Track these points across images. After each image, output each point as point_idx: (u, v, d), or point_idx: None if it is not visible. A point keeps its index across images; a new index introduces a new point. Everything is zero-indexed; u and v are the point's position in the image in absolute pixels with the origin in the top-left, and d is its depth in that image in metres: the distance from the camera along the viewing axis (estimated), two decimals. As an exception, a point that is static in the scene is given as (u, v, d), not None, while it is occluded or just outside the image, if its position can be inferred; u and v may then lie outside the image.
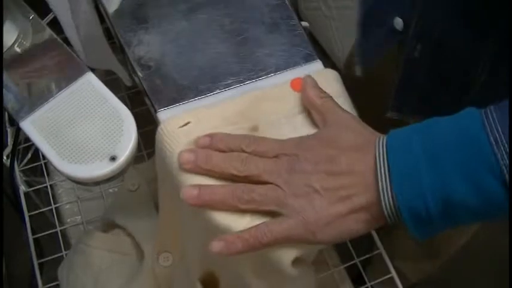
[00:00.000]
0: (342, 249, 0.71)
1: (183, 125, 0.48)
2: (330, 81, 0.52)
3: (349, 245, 0.70)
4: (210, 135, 0.46)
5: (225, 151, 0.45)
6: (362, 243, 0.72)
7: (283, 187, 0.42)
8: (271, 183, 0.43)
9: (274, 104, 0.50)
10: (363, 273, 0.68)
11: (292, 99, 0.51)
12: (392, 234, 0.79)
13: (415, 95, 0.57)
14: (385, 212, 0.41)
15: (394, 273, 0.64)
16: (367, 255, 0.68)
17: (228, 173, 0.44)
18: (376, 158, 0.41)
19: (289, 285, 0.48)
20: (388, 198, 0.40)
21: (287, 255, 0.43)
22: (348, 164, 0.42)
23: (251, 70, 0.54)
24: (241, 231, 0.42)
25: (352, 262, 0.68)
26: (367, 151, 0.42)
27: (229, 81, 0.53)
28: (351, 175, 0.41)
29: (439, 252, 0.86)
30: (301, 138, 0.46)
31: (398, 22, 0.54)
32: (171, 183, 0.48)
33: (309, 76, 0.50)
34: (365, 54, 0.63)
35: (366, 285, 0.66)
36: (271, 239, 0.41)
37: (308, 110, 0.50)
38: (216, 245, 0.42)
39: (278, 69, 0.54)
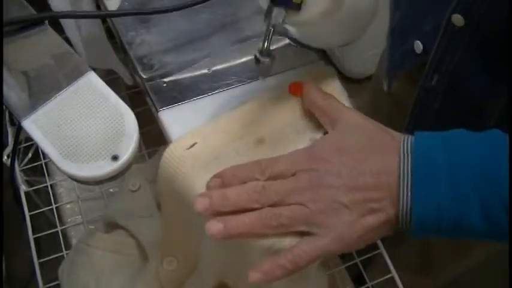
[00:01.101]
0: (343, 249, 0.71)
1: (189, 146, 0.48)
2: (328, 79, 0.53)
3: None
4: (219, 175, 0.44)
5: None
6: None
7: (309, 206, 0.41)
8: (295, 204, 0.41)
9: (275, 113, 0.51)
10: (364, 273, 0.68)
11: (292, 105, 0.51)
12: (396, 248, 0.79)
13: (430, 119, 0.58)
14: (400, 218, 0.40)
15: (394, 273, 0.64)
16: (368, 255, 0.68)
17: (251, 208, 0.42)
18: (400, 165, 0.40)
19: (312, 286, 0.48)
20: (407, 205, 0.40)
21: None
22: (373, 176, 0.41)
23: (252, 70, 0.54)
24: (276, 258, 0.41)
25: (352, 262, 0.68)
26: (386, 153, 0.41)
27: (231, 81, 0.54)
28: (378, 189, 0.41)
29: (437, 272, 0.86)
30: (311, 149, 0.45)
31: (419, 45, 0.54)
32: (182, 203, 0.48)
33: (309, 81, 0.50)
34: (389, 73, 0.64)
35: (366, 285, 0.66)
36: (308, 261, 0.41)
37: (310, 114, 0.50)
38: (254, 276, 0.41)
39: (279, 69, 0.54)
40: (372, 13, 0.48)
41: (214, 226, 0.42)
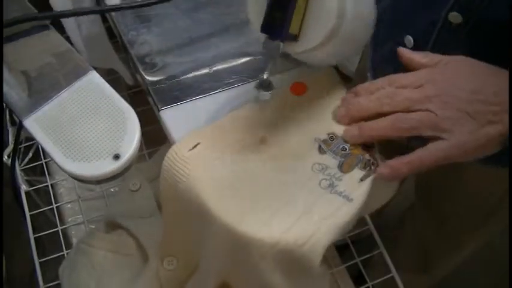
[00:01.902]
0: (343, 248, 0.71)
1: (192, 147, 0.48)
2: (329, 78, 0.53)
3: (350, 244, 0.70)
4: (353, 91, 0.49)
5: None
6: (363, 242, 0.72)
7: (436, 112, 0.44)
8: (423, 110, 0.44)
9: (278, 113, 0.51)
10: (364, 273, 0.68)
11: (295, 104, 0.51)
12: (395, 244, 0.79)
13: None
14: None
15: (394, 273, 0.64)
16: (368, 255, 0.68)
17: (381, 111, 0.46)
18: None
19: (316, 285, 0.48)
20: None
21: (317, 254, 0.44)
22: (493, 94, 0.44)
23: (254, 69, 0.54)
24: (403, 156, 0.45)
25: (353, 262, 0.68)
26: (501, 75, 0.44)
27: (232, 80, 0.54)
28: (497, 104, 0.43)
29: (435, 267, 0.87)
30: (436, 67, 0.47)
31: (410, 40, 0.55)
32: (185, 204, 0.48)
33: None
34: (374, 64, 0.64)
35: (366, 285, 0.66)
36: (433, 161, 0.44)
37: (313, 113, 0.50)
38: (384, 171, 0.45)
39: (281, 69, 0.54)
40: (370, 29, 0.48)
41: (350, 131, 0.48)
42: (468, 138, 0.43)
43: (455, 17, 0.48)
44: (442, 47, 0.51)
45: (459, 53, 0.50)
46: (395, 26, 0.58)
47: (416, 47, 0.54)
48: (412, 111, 0.45)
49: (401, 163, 0.45)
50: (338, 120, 0.49)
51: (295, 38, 0.44)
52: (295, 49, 0.45)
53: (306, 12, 0.43)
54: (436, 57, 0.48)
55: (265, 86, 0.47)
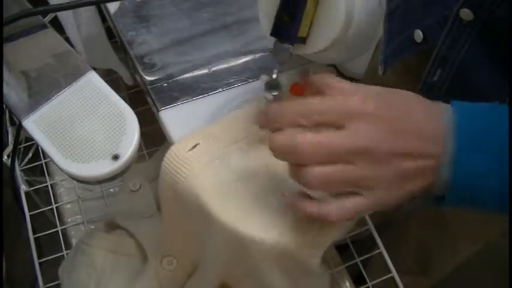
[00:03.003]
0: (343, 248, 0.71)
1: (191, 148, 0.48)
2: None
3: (350, 244, 0.70)
4: (265, 112, 0.43)
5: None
6: (363, 242, 0.72)
7: (361, 167, 0.40)
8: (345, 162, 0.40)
9: None
10: (364, 273, 0.68)
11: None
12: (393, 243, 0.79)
13: None
14: (438, 185, 0.41)
15: (394, 273, 0.64)
16: (368, 255, 0.68)
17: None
18: (445, 136, 0.40)
19: (316, 285, 0.48)
20: (447, 169, 0.40)
21: (317, 254, 0.44)
22: (426, 144, 0.40)
23: (253, 69, 0.54)
24: (320, 204, 0.41)
25: (353, 262, 0.68)
26: (430, 119, 0.41)
27: (232, 80, 0.54)
28: (429, 158, 0.40)
29: (434, 270, 0.87)
30: (359, 96, 0.41)
31: (419, 35, 0.54)
32: (184, 205, 0.48)
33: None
34: (385, 58, 0.64)
35: (366, 285, 0.65)
36: (345, 217, 0.41)
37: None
38: (307, 208, 0.41)
39: (280, 69, 0.54)
40: (377, 28, 0.48)
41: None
42: (386, 196, 0.41)
43: (466, 14, 0.48)
44: (452, 44, 0.51)
45: (469, 50, 0.49)
46: (406, 21, 0.58)
47: (425, 42, 0.54)
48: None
49: (315, 211, 0.41)
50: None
51: (304, 40, 0.44)
52: (304, 51, 0.45)
53: (314, 15, 0.43)
54: (352, 85, 0.43)
55: (273, 86, 0.47)
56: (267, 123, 0.43)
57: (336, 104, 0.40)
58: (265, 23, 0.45)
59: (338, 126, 0.40)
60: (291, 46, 0.44)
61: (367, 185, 0.41)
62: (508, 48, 0.47)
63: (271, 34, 0.44)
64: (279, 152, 0.41)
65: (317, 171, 0.40)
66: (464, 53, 0.50)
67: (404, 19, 0.58)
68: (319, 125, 0.40)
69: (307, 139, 0.39)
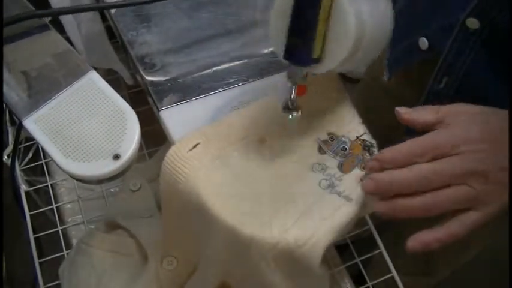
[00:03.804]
0: (343, 248, 0.71)
1: (192, 147, 0.48)
2: (329, 78, 0.53)
3: (350, 244, 0.70)
4: (377, 160, 0.45)
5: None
6: (363, 242, 0.72)
7: (475, 187, 0.42)
8: (461, 185, 0.42)
9: (277, 113, 0.51)
10: (364, 273, 0.68)
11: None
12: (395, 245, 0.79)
13: None
14: None
15: (394, 273, 0.64)
16: (368, 255, 0.68)
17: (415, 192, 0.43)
18: None
19: (316, 285, 0.48)
20: None
21: (316, 254, 0.44)
22: None
23: (253, 69, 0.54)
24: (435, 230, 0.43)
25: (353, 262, 0.68)
26: None
27: (232, 80, 0.54)
28: None
29: (437, 270, 0.87)
30: (463, 123, 0.44)
31: (424, 42, 0.54)
32: (185, 205, 0.48)
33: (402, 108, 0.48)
34: (389, 64, 0.64)
35: (366, 285, 0.66)
36: (464, 234, 0.43)
37: (313, 114, 0.50)
38: (413, 245, 0.44)
39: (281, 69, 0.54)
40: (389, 33, 0.48)
41: (384, 208, 0.43)
42: (499, 208, 0.43)
43: (472, 23, 0.48)
44: (458, 52, 0.51)
45: (475, 58, 0.49)
46: (410, 27, 0.58)
47: (431, 50, 0.54)
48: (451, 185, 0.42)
49: (434, 239, 0.43)
50: (365, 191, 0.45)
51: (318, 60, 0.43)
52: (319, 70, 0.44)
53: (326, 34, 0.42)
54: (440, 110, 0.45)
55: (292, 106, 0.46)
56: (382, 167, 0.44)
57: (443, 138, 0.43)
58: (278, 46, 0.44)
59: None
60: (304, 68, 0.44)
61: (483, 201, 0.42)
62: (509, 51, 0.47)
63: (284, 58, 0.43)
64: (400, 187, 0.43)
65: (439, 196, 0.42)
66: (470, 62, 0.50)
67: (408, 25, 0.58)
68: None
69: (426, 167, 0.42)
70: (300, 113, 0.46)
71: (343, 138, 0.49)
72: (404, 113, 0.45)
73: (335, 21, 0.42)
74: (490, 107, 0.45)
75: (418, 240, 0.43)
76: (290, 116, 0.46)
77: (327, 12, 0.41)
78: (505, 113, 0.44)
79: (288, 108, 0.46)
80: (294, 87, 0.45)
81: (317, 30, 0.41)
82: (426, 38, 0.54)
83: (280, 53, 0.43)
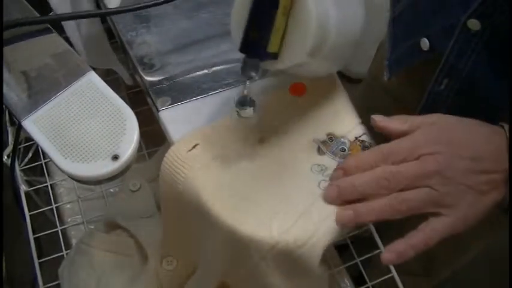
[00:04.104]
0: (343, 248, 0.71)
1: (191, 148, 0.48)
2: (328, 79, 0.53)
3: (350, 244, 0.70)
4: (342, 168, 0.46)
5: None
6: (363, 242, 0.72)
7: (436, 188, 0.43)
8: (422, 187, 0.43)
9: (276, 113, 0.51)
10: (364, 273, 0.68)
11: (293, 105, 0.51)
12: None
13: None
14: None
15: (394, 273, 0.64)
16: (368, 255, 0.68)
17: (378, 194, 0.44)
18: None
19: (316, 286, 0.48)
20: None
21: (316, 255, 0.44)
22: (491, 160, 0.43)
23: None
24: (407, 238, 0.43)
25: (353, 262, 0.68)
26: (496, 140, 0.44)
27: (231, 80, 0.54)
28: (497, 172, 0.43)
29: (437, 271, 0.87)
30: (427, 132, 0.45)
31: (425, 43, 0.54)
32: (184, 205, 0.48)
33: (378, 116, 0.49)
34: (390, 65, 0.64)
35: (366, 285, 0.65)
36: (437, 239, 0.43)
37: (311, 114, 0.50)
38: (389, 257, 0.43)
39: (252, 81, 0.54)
40: (357, 40, 0.47)
41: (345, 215, 0.44)
42: (469, 211, 0.43)
43: (474, 24, 0.48)
44: (459, 53, 0.51)
45: (476, 59, 0.50)
46: (411, 28, 0.58)
47: (432, 51, 0.54)
48: (411, 188, 0.43)
49: (409, 247, 0.43)
50: (327, 201, 0.46)
51: (275, 56, 0.43)
52: (275, 67, 0.44)
53: (286, 30, 0.42)
54: (414, 120, 0.46)
55: (246, 102, 0.46)
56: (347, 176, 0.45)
57: (404, 144, 0.45)
58: (237, 38, 0.44)
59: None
60: (259, 62, 0.43)
61: (447, 203, 0.43)
62: (509, 52, 0.47)
63: (240, 50, 0.43)
64: (361, 189, 0.44)
65: (401, 195, 0.43)
66: (471, 63, 0.50)
67: (409, 26, 0.58)
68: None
69: (388, 169, 0.43)
70: (252, 109, 0.46)
71: (342, 139, 0.49)
72: (379, 121, 0.47)
73: (296, 19, 0.41)
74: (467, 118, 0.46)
75: (392, 251, 0.43)
76: (242, 112, 0.46)
77: (286, 7, 0.41)
78: (475, 121, 0.45)
79: (241, 104, 0.46)
80: (247, 82, 0.45)
81: (275, 25, 0.41)
82: (427, 38, 0.54)
83: (238, 45, 0.43)
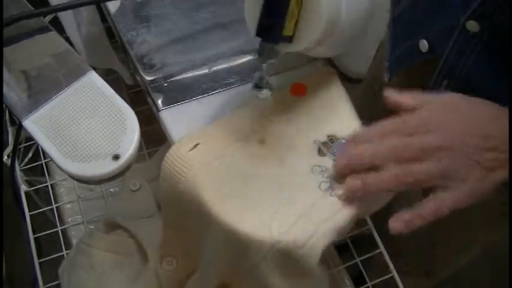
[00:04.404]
0: (343, 248, 0.71)
1: (192, 148, 0.48)
2: (328, 78, 0.53)
3: (350, 244, 0.70)
4: (352, 139, 0.47)
5: None
6: (363, 242, 0.72)
7: (444, 161, 0.43)
8: (430, 160, 0.43)
9: (277, 113, 0.51)
10: (364, 273, 0.68)
11: (294, 105, 0.51)
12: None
13: None
14: None
15: (394, 273, 0.64)
16: (368, 255, 0.68)
17: (387, 166, 0.44)
18: None
19: (315, 286, 0.48)
20: None
21: (315, 256, 0.44)
22: (500, 140, 0.44)
23: (253, 69, 0.54)
24: (417, 209, 0.44)
25: (353, 262, 0.68)
26: (504, 119, 0.44)
27: (232, 80, 0.54)
28: (504, 151, 0.44)
29: (437, 271, 0.87)
30: (438, 107, 0.46)
31: (424, 44, 0.55)
32: (185, 205, 0.48)
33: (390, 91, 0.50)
34: (390, 65, 0.64)
35: (366, 285, 0.66)
36: (445, 211, 0.43)
37: (312, 114, 0.50)
38: (396, 226, 0.44)
39: (280, 69, 0.54)
40: (368, 21, 0.48)
41: (353, 184, 0.45)
42: (476, 185, 0.44)
43: (472, 26, 0.49)
44: (458, 54, 0.51)
45: (475, 60, 0.50)
46: (411, 29, 0.58)
47: (431, 52, 0.54)
48: (420, 161, 0.44)
49: (416, 216, 0.44)
50: (337, 170, 0.47)
51: (289, 39, 0.45)
52: (291, 49, 0.46)
53: (299, 14, 0.44)
54: (426, 97, 0.47)
55: (263, 85, 0.48)
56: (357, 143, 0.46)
57: (413, 118, 0.45)
58: (252, 23, 0.45)
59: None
60: (276, 45, 0.45)
61: (455, 177, 0.43)
62: (508, 52, 0.47)
63: (256, 34, 0.44)
64: (369, 159, 0.44)
65: (409, 167, 0.43)
66: (470, 64, 0.50)
67: (409, 27, 0.58)
68: None
69: (396, 141, 0.44)
70: (269, 91, 0.48)
71: (343, 140, 0.49)
72: (391, 96, 0.48)
73: (309, 3, 0.43)
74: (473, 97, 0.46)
75: (400, 219, 0.44)
76: (260, 94, 0.48)
77: None
78: (481, 100, 0.46)
79: (258, 86, 0.48)
80: (264, 65, 0.47)
81: (289, 9, 0.43)
82: (426, 40, 0.54)
83: (253, 30, 0.44)
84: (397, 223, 0.44)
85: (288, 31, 0.44)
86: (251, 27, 0.45)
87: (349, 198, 0.46)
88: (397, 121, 0.46)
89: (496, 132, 0.44)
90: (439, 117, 0.45)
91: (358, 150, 0.45)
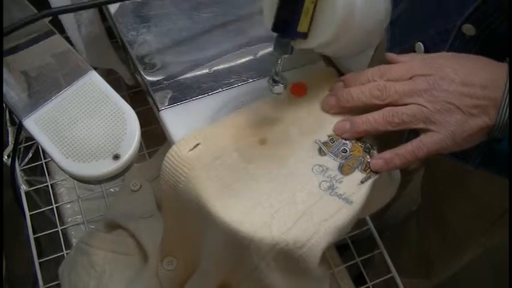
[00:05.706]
0: (343, 248, 0.71)
1: (192, 148, 0.48)
2: (328, 79, 0.53)
3: (350, 244, 0.70)
4: (342, 80, 0.51)
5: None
6: (363, 242, 0.72)
7: (426, 105, 0.45)
8: (413, 104, 0.46)
9: (278, 114, 0.51)
10: (364, 273, 0.68)
11: (294, 105, 0.51)
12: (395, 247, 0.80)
13: None
14: (497, 124, 0.45)
15: (394, 273, 0.64)
16: (368, 255, 0.68)
17: (371, 104, 0.47)
18: (506, 84, 0.44)
19: (315, 286, 0.48)
20: (505, 115, 0.44)
21: (315, 256, 0.44)
22: (482, 88, 0.45)
23: (253, 69, 0.54)
24: (397, 148, 0.47)
25: (353, 262, 0.68)
26: (495, 71, 0.45)
27: (232, 80, 0.54)
28: (485, 98, 0.45)
29: (436, 273, 0.87)
30: (425, 57, 0.49)
31: (420, 47, 0.56)
32: (185, 205, 0.48)
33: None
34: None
35: (366, 285, 0.66)
36: (425, 153, 0.46)
37: (313, 114, 0.50)
38: (376, 163, 0.47)
39: (281, 69, 0.54)
40: (384, 21, 0.49)
41: (342, 124, 0.49)
42: (457, 129, 0.45)
43: (468, 29, 0.49)
44: None
45: None
46: (407, 32, 0.58)
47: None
48: (402, 105, 0.46)
49: (394, 155, 0.46)
50: (326, 109, 0.50)
51: (305, 35, 0.46)
52: (305, 45, 0.47)
53: (315, 10, 0.45)
54: (419, 55, 0.49)
55: (278, 79, 0.49)
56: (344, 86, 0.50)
57: (399, 67, 0.48)
58: (268, 18, 0.46)
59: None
60: (291, 41, 0.46)
61: (436, 120, 0.45)
62: (508, 53, 0.47)
63: (273, 29, 0.45)
64: (357, 97, 0.48)
65: (394, 109, 0.46)
66: None
67: (405, 29, 0.59)
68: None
69: (382, 82, 0.47)
70: (284, 86, 0.50)
71: (343, 140, 0.49)
72: (389, 55, 0.51)
73: (325, 2, 0.44)
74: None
75: (380, 157, 0.47)
76: (275, 88, 0.50)
77: None
78: (477, 56, 0.47)
79: (274, 80, 0.49)
80: (279, 59, 0.48)
81: (305, 6, 0.44)
82: (422, 43, 0.55)
83: (270, 25, 0.45)
84: (377, 160, 0.47)
85: (303, 27, 0.45)
86: (268, 22, 0.46)
87: (339, 130, 0.49)
88: (385, 67, 0.48)
89: (478, 81, 0.45)
90: (424, 66, 0.47)
91: (346, 91, 0.48)
